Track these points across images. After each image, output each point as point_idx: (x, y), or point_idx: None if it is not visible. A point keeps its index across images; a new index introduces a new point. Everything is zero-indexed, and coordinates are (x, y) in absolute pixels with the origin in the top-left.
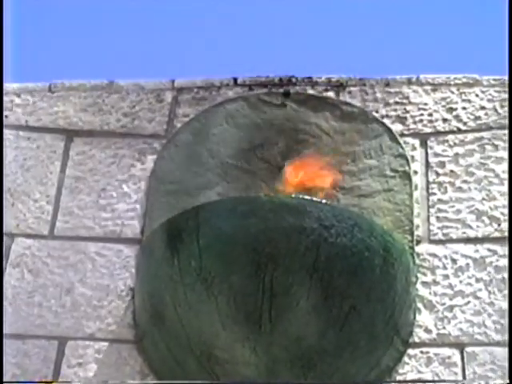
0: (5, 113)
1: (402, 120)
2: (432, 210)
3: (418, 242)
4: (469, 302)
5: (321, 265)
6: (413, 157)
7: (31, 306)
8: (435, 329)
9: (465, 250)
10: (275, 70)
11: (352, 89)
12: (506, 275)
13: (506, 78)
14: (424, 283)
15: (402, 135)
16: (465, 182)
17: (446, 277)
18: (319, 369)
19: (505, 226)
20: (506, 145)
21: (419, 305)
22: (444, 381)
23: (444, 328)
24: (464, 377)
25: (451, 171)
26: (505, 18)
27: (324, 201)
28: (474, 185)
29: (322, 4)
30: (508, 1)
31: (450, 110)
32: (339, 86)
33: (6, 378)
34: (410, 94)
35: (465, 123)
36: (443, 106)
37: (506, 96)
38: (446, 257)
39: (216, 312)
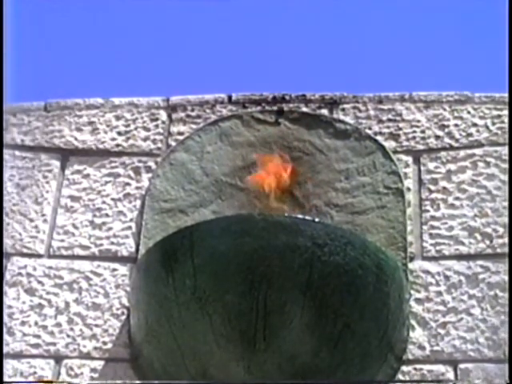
0: None
1: (394, 137)
2: (425, 227)
3: (411, 259)
4: (462, 319)
5: (314, 283)
6: (406, 174)
7: (27, 325)
8: (429, 345)
9: (457, 267)
10: (269, 88)
11: (345, 106)
12: (498, 292)
13: (497, 95)
14: (417, 300)
15: (395, 152)
16: (457, 198)
17: (439, 293)
18: None
19: (497, 242)
20: (498, 162)
21: (412, 322)
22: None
23: (437, 345)
24: None
25: (444, 188)
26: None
27: (317, 219)
28: (466, 201)
29: (314, 22)
30: (508, 14)
31: (443, 126)
32: (332, 104)
33: None
34: (403, 111)
35: (457, 140)
36: (435, 123)
37: (498, 113)
38: (438, 273)
39: (210, 331)
